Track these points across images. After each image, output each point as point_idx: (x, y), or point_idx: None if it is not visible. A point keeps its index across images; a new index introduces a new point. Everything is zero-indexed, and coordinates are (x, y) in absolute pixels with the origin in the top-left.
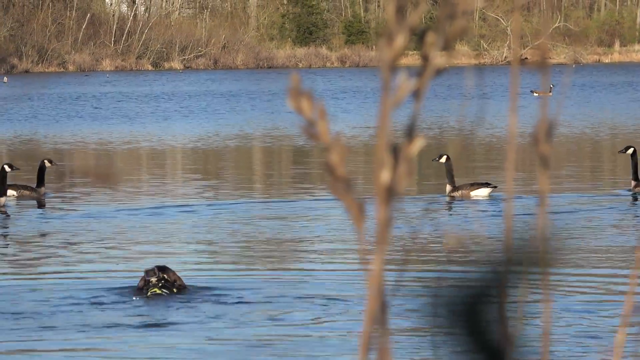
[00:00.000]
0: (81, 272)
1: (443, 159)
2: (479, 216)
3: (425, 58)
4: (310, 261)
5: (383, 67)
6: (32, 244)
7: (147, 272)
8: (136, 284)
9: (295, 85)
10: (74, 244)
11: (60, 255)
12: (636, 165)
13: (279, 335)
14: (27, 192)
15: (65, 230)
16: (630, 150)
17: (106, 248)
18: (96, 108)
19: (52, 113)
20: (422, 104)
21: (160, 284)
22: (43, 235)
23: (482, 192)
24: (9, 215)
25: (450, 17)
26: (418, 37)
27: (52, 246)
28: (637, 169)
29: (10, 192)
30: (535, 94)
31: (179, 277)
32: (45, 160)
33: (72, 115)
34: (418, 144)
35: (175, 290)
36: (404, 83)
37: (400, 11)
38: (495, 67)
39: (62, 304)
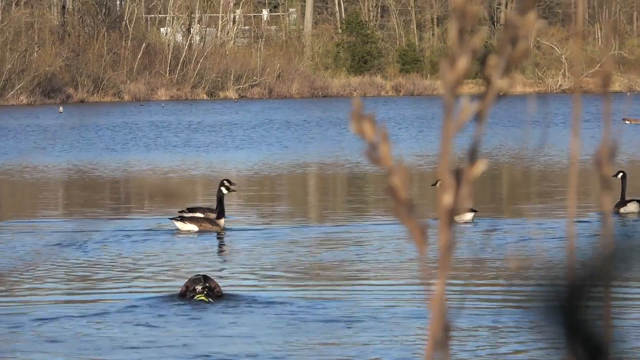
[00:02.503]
0: (141, 287)
1: None
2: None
3: (487, 81)
4: (361, 283)
5: (445, 90)
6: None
7: (192, 280)
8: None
9: (357, 109)
10: (123, 264)
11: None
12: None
13: (313, 343)
14: (208, 226)
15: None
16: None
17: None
18: (150, 137)
19: (107, 142)
20: (484, 129)
21: (205, 292)
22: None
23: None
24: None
25: (512, 41)
26: (480, 61)
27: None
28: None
29: (191, 226)
30: (627, 122)
31: (218, 285)
32: (222, 185)
33: (127, 144)
34: (480, 167)
35: (215, 297)
36: (467, 106)
37: (462, 35)
38: (550, 95)
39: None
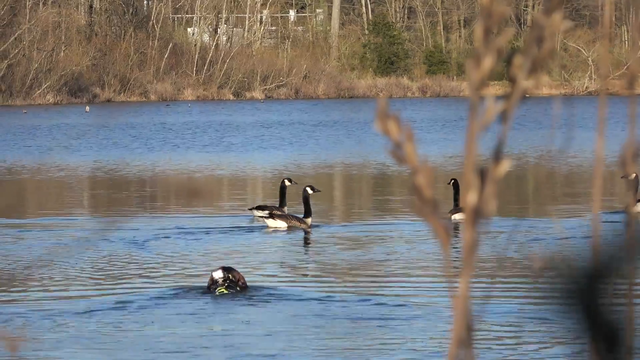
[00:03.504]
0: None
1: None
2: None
3: (512, 80)
4: (385, 281)
5: (471, 88)
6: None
7: (213, 272)
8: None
9: (383, 109)
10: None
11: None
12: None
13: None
14: (297, 223)
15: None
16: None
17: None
18: (179, 136)
19: (133, 141)
20: (509, 129)
21: (226, 284)
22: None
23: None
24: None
25: (538, 41)
26: (506, 60)
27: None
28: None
29: (280, 223)
30: None
31: (242, 277)
32: (307, 187)
33: (153, 143)
34: (505, 166)
35: (238, 289)
36: (492, 106)
37: (488, 35)
38: (576, 97)
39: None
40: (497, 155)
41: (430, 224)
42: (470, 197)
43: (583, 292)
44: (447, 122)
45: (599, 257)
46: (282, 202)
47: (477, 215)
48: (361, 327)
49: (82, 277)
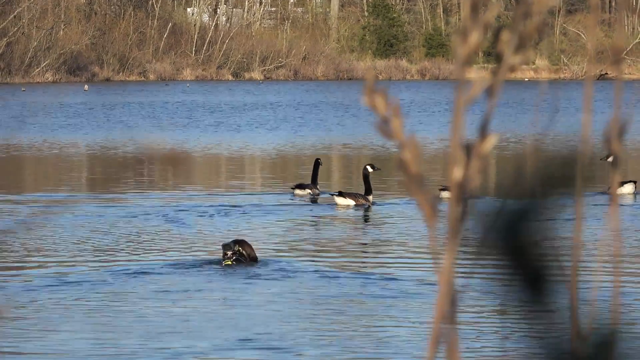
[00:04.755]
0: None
1: None
2: None
3: (499, 56)
4: (383, 257)
5: (457, 63)
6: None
7: (224, 246)
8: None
9: (371, 83)
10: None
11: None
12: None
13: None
14: (363, 201)
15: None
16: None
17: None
18: (174, 116)
19: (131, 120)
20: (496, 104)
21: (234, 257)
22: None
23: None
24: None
25: (525, 16)
26: (493, 36)
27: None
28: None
29: (349, 201)
30: None
31: (253, 250)
32: (367, 166)
33: (151, 122)
34: (491, 141)
35: (247, 261)
36: (478, 81)
37: (475, 10)
38: (575, 82)
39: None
40: (483, 131)
41: (416, 199)
42: (455, 173)
43: (505, 231)
44: (447, 105)
45: (522, 196)
46: (368, 190)
47: (462, 191)
48: (368, 304)
49: (101, 248)
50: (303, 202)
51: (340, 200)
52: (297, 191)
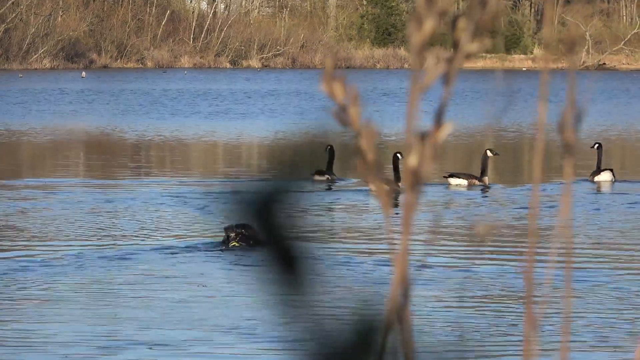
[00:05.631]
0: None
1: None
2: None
3: (455, 44)
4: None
5: (412, 52)
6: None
7: (226, 228)
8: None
9: (329, 71)
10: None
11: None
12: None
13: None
14: (476, 182)
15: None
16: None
17: None
18: (171, 104)
19: (129, 107)
20: (452, 89)
21: (238, 238)
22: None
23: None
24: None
25: (482, 3)
26: (450, 24)
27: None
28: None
29: (459, 181)
30: None
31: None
32: (487, 150)
33: (149, 109)
34: (446, 130)
35: (252, 242)
36: (433, 67)
37: None
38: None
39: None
40: (439, 119)
41: (372, 187)
42: (410, 160)
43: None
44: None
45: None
46: (484, 172)
47: (416, 177)
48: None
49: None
50: (317, 189)
51: (452, 181)
52: (316, 176)
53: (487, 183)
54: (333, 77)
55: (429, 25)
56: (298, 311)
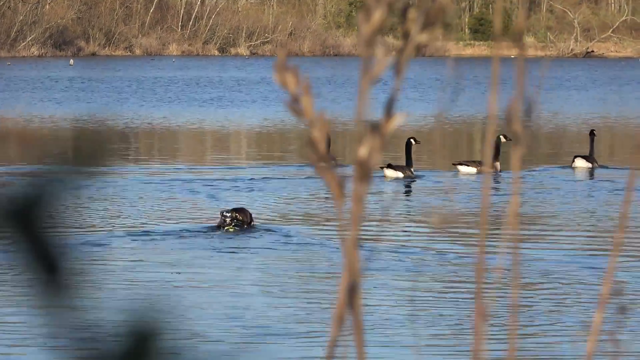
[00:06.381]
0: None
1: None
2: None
3: (405, 35)
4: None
5: (361, 42)
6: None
7: (222, 213)
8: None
9: (282, 61)
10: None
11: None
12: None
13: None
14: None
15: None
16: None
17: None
18: (165, 91)
19: (118, 95)
20: (403, 81)
21: (233, 223)
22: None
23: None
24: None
25: None
26: (400, 15)
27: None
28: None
29: (468, 169)
30: None
31: (250, 217)
32: (500, 136)
33: (138, 97)
34: (396, 121)
35: (246, 227)
36: (382, 59)
37: None
38: (560, 59)
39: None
40: (389, 110)
41: (324, 178)
42: (361, 151)
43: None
44: (430, 82)
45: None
46: (497, 157)
47: (364, 168)
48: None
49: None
50: (306, 177)
51: (462, 169)
52: (388, 172)
53: (498, 169)
54: (285, 67)
55: (378, 15)
56: (62, 315)
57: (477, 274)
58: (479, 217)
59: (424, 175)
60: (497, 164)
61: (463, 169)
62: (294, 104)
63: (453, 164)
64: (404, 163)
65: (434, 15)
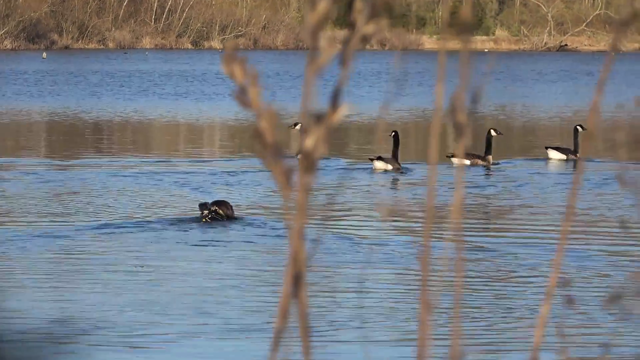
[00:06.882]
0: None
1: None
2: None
3: (352, 25)
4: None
5: (307, 32)
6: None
7: (200, 205)
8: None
9: (230, 52)
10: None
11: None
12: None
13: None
14: (479, 161)
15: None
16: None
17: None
18: (136, 84)
19: (91, 88)
20: (349, 71)
21: (210, 215)
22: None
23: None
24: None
25: None
26: (346, 5)
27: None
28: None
29: (466, 161)
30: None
31: (229, 209)
32: (491, 130)
33: (110, 91)
34: (342, 111)
35: (225, 219)
36: (327, 48)
37: None
38: (534, 53)
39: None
40: (335, 101)
41: (270, 169)
42: (307, 142)
43: None
44: (421, 75)
45: None
46: (488, 151)
47: (309, 159)
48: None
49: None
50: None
51: (456, 160)
52: (378, 164)
53: (490, 162)
54: (233, 58)
55: (323, 6)
56: None
57: (423, 265)
58: (451, 210)
59: (413, 169)
60: (490, 157)
61: (457, 161)
62: (242, 95)
63: (447, 156)
64: (401, 158)
65: (380, 6)
